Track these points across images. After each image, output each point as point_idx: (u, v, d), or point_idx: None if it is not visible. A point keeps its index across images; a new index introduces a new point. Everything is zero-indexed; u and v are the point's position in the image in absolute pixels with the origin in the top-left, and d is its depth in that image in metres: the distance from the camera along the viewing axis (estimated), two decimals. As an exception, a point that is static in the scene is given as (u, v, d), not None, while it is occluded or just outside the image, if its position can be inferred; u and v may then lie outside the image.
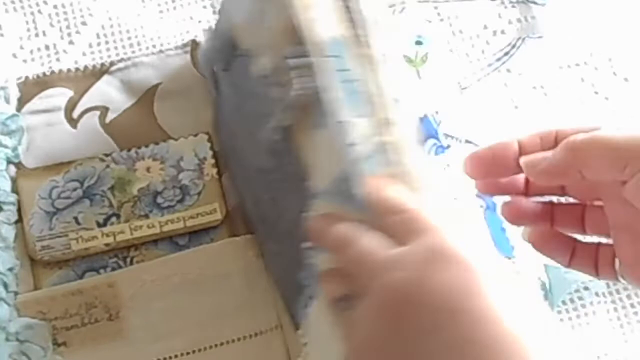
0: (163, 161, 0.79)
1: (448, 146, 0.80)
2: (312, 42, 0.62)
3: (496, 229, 0.77)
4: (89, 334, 0.74)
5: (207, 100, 0.81)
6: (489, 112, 0.83)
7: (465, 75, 0.85)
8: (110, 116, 0.81)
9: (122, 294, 0.75)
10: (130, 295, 0.75)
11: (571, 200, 0.68)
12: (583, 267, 0.67)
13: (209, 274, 0.76)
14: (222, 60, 0.74)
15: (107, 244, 0.76)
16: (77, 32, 0.86)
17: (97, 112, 0.81)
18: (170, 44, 0.85)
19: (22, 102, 0.80)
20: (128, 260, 0.77)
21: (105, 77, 0.82)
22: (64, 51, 0.85)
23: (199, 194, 0.78)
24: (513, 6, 0.88)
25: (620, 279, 0.65)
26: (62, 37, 0.85)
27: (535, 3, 0.88)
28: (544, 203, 0.68)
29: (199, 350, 0.74)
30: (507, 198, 0.70)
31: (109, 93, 0.81)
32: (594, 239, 0.67)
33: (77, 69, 0.82)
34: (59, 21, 0.86)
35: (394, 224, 0.57)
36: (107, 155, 0.79)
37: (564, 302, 0.78)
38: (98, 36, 0.86)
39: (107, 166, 0.78)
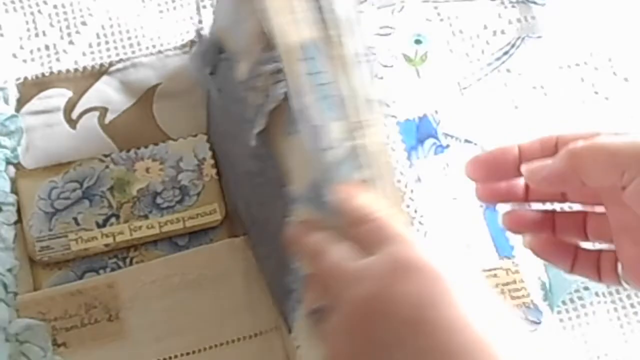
0: (162, 162, 0.79)
1: (447, 146, 0.80)
2: (284, 46, 0.62)
3: (496, 229, 0.77)
4: (89, 334, 0.74)
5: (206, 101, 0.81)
6: (489, 112, 0.83)
7: (465, 75, 0.85)
8: (109, 117, 0.81)
9: (122, 295, 0.75)
10: (130, 295, 0.75)
11: (572, 206, 0.68)
12: (585, 273, 0.67)
13: (209, 274, 0.76)
14: (208, 64, 0.74)
15: (106, 245, 0.76)
16: (77, 32, 0.86)
17: (97, 113, 0.81)
18: (170, 44, 0.85)
19: (21, 103, 0.81)
20: (128, 260, 0.77)
21: (105, 78, 0.82)
22: (64, 51, 0.85)
23: (198, 194, 0.78)
24: (513, 6, 0.88)
25: (623, 283, 0.65)
26: (62, 37, 0.85)
27: (535, 3, 0.87)
28: (545, 211, 0.69)
29: (199, 350, 0.74)
30: (507, 207, 0.70)
31: (108, 94, 0.81)
32: (596, 245, 0.67)
33: (76, 70, 0.82)
34: (59, 21, 0.86)
35: (362, 233, 0.57)
36: (106, 155, 0.79)
37: (564, 302, 0.77)
38: (98, 36, 0.86)
39: (107, 167, 0.79)
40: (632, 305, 0.78)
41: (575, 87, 0.85)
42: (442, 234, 0.77)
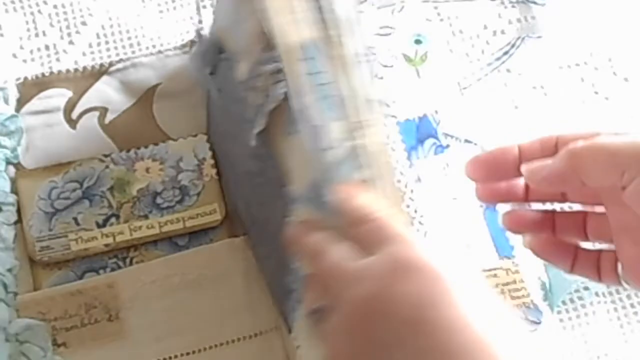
0: (162, 162, 0.79)
1: (447, 145, 0.80)
2: (284, 46, 0.62)
3: (496, 229, 0.77)
4: (89, 334, 0.74)
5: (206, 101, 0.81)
6: (489, 112, 0.83)
7: (465, 75, 0.85)
8: (109, 117, 0.81)
9: (122, 295, 0.75)
10: (130, 295, 0.75)
11: (572, 206, 0.68)
12: (585, 273, 0.68)
13: (209, 274, 0.76)
14: (208, 64, 0.74)
15: (106, 245, 0.76)
16: (77, 32, 0.86)
17: (97, 113, 0.81)
18: (170, 44, 0.85)
19: (21, 103, 0.81)
20: (128, 260, 0.77)
21: (104, 78, 0.82)
22: (64, 51, 0.85)
23: (198, 194, 0.78)
24: (513, 6, 0.88)
25: (623, 283, 0.65)
26: (62, 37, 0.85)
27: (535, 3, 0.87)
28: (545, 211, 0.69)
29: (199, 350, 0.74)
30: (507, 207, 0.70)
31: (108, 94, 0.81)
32: (596, 245, 0.67)
33: (76, 70, 0.82)
34: (59, 21, 0.86)
35: (362, 233, 0.57)
36: (106, 155, 0.79)
37: (564, 302, 0.77)
38: (98, 36, 0.86)
39: (107, 167, 0.79)
40: (632, 305, 0.78)
41: (575, 87, 0.85)
42: (442, 234, 0.77)
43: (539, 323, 0.74)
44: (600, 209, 0.65)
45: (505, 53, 0.86)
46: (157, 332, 0.74)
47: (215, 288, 0.76)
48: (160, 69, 0.82)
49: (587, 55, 0.86)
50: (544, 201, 0.68)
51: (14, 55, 0.84)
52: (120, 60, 0.83)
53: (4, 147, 0.78)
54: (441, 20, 0.87)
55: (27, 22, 0.86)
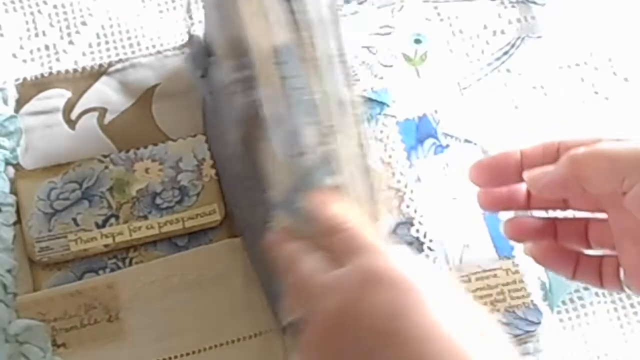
0: (162, 162, 0.79)
1: (447, 145, 0.80)
2: (257, 50, 0.62)
3: (496, 229, 0.77)
4: (89, 335, 0.74)
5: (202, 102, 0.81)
6: (489, 112, 0.83)
7: (465, 75, 0.84)
8: (108, 117, 0.81)
9: (122, 295, 0.75)
10: (130, 296, 0.75)
11: (574, 213, 0.68)
12: (587, 279, 0.68)
13: (208, 274, 0.76)
14: (199, 66, 0.74)
15: (106, 245, 0.76)
16: (77, 32, 0.86)
17: (96, 113, 0.81)
18: (170, 44, 0.85)
19: (20, 104, 0.80)
20: (127, 261, 0.77)
21: (104, 78, 0.82)
22: (64, 51, 0.85)
23: (197, 194, 0.78)
24: (513, 6, 0.88)
25: (626, 288, 0.66)
26: (62, 37, 0.85)
27: (535, 3, 0.87)
28: (547, 219, 0.69)
29: (199, 350, 0.74)
30: (509, 215, 0.71)
31: (107, 94, 0.81)
32: (598, 251, 0.68)
33: (75, 70, 0.82)
34: (59, 21, 0.86)
35: (334, 243, 0.57)
36: (105, 156, 0.79)
37: (564, 302, 0.77)
38: (98, 36, 0.86)
39: (106, 167, 0.79)
40: (632, 305, 0.78)
41: (575, 87, 0.85)
42: (442, 234, 0.77)
43: (539, 323, 0.74)
44: (601, 215, 0.66)
45: (505, 53, 0.86)
46: (156, 333, 0.74)
47: (215, 288, 0.76)
48: (159, 70, 0.82)
49: (587, 55, 0.86)
50: (546, 208, 0.69)
51: (14, 55, 0.84)
52: (120, 61, 0.83)
53: (3, 147, 0.78)
54: (441, 20, 0.87)
55: (27, 22, 0.86)
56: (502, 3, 0.88)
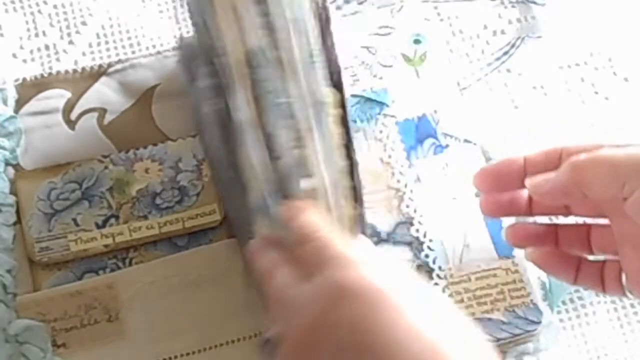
0: (161, 162, 0.79)
1: (447, 145, 0.80)
2: (232, 54, 0.62)
3: (496, 229, 0.77)
4: (89, 335, 0.74)
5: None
6: (489, 112, 0.83)
7: (465, 75, 0.84)
8: (108, 118, 0.81)
9: (122, 295, 0.75)
10: (130, 296, 0.75)
11: (576, 219, 0.69)
12: (589, 284, 0.68)
13: (208, 274, 0.76)
14: (189, 71, 0.74)
15: (106, 245, 0.76)
16: (77, 32, 0.86)
17: (95, 114, 0.81)
18: (170, 44, 0.84)
19: (19, 104, 0.80)
20: (127, 261, 0.77)
21: (103, 79, 0.82)
22: (64, 51, 0.85)
23: (197, 195, 0.78)
24: (513, 6, 0.88)
25: (628, 293, 0.66)
26: (62, 37, 0.85)
27: (535, 3, 0.87)
28: (548, 224, 0.69)
29: (199, 351, 0.74)
30: (510, 221, 0.71)
31: (106, 94, 0.81)
32: (600, 257, 0.68)
33: (74, 71, 0.82)
34: (59, 21, 0.86)
35: (304, 254, 0.58)
36: (105, 156, 0.79)
37: (564, 302, 0.77)
38: (98, 36, 0.86)
39: (106, 167, 0.79)
40: (632, 305, 0.78)
41: (575, 87, 0.85)
42: (442, 234, 0.77)
43: (539, 323, 0.74)
44: (603, 221, 0.66)
45: (505, 53, 0.86)
46: (156, 333, 0.74)
47: (215, 288, 0.76)
48: (158, 70, 0.82)
49: (587, 55, 0.86)
50: (548, 214, 0.69)
51: (14, 55, 0.84)
52: (119, 61, 0.83)
53: (3, 148, 0.78)
54: (441, 20, 0.87)
55: (27, 22, 0.86)
56: (502, 3, 0.88)
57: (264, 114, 0.62)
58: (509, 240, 0.72)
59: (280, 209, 0.61)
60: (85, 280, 0.76)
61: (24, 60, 0.84)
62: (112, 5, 0.86)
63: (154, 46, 0.85)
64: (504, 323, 0.73)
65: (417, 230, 0.77)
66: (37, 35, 0.85)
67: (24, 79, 0.81)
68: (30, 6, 0.86)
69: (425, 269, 0.76)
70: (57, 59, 0.84)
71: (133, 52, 0.85)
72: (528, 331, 0.74)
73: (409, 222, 0.78)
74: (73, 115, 0.81)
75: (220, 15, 0.64)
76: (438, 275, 0.75)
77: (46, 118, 0.80)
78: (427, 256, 0.76)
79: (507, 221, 0.73)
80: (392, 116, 0.81)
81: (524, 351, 0.75)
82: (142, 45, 0.85)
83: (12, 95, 0.81)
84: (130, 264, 0.77)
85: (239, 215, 0.68)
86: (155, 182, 0.78)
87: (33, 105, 0.81)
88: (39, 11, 0.86)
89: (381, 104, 0.81)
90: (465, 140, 0.80)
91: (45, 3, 0.86)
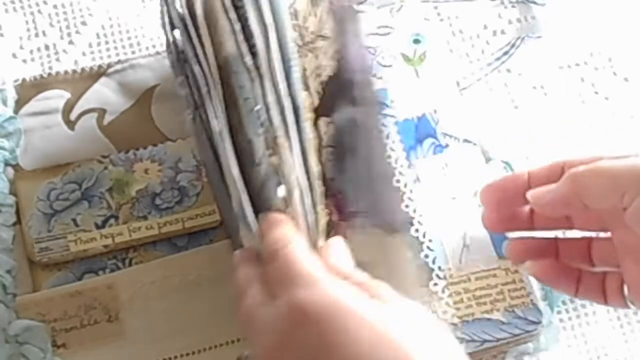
0: (161, 163, 0.79)
1: (447, 145, 0.80)
2: (210, 62, 0.62)
3: (495, 229, 0.77)
4: (88, 335, 0.74)
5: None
6: (489, 112, 0.83)
7: (465, 75, 0.84)
8: (107, 118, 0.81)
9: (121, 296, 0.75)
10: (129, 296, 0.75)
11: (577, 234, 0.70)
12: (590, 296, 0.69)
13: (208, 274, 0.76)
14: (178, 73, 0.73)
15: (105, 246, 0.76)
16: (77, 32, 0.86)
17: (95, 114, 0.81)
18: (169, 44, 0.85)
19: (19, 104, 0.80)
20: (127, 261, 0.77)
21: (103, 79, 0.82)
22: (64, 51, 0.85)
23: (197, 195, 0.78)
24: (513, 6, 0.88)
25: (630, 304, 0.66)
26: (62, 37, 0.85)
27: (535, 3, 0.87)
28: (548, 238, 0.70)
29: (199, 351, 0.74)
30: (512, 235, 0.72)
31: (106, 95, 0.81)
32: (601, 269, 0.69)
33: (74, 71, 0.82)
34: (59, 21, 0.86)
35: (270, 271, 0.59)
36: (105, 157, 0.79)
37: (564, 302, 0.77)
38: (98, 36, 0.86)
39: (105, 168, 0.79)
40: (632, 306, 0.78)
41: (575, 87, 0.85)
42: (442, 234, 0.77)
43: (539, 323, 0.74)
44: (604, 234, 0.67)
45: (505, 53, 0.86)
46: (156, 333, 0.74)
47: (215, 289, 0.76)
48: (158, 70, 0.82)
49: (587, 55, 0.86)
50: (549, 228, 0.70)
51: (14, 55, 0.84)
52: (119, 62, 0.83)
53: (3, 148, 0.78)
54: (441, 20, 0.87)
55: (27, 22, 0.86)
56: (502, 3, 0.88)
57: (242, 120, 0.62)
58: (509, 255, 0.73)
59: (256, 221, 0.61)
60: (85, 281, 0.76)
61: (24, 61, 0.84)
62: (112, 5, 0.86)
63: (154, 46, 0.85)
64: (503, 323, 0.73)
65: (417, 230, 0.77)
66: (37, 35, 0.85)
67: (24, 80, 0.81)
68: (30, 6, 0.86)
69: (425, 269, 0.76)
70: (57, 59, 0.84)
71: (133, 52, 0.85)
72: (528, 331, 0.74)
73: (408, 222, 0.78)
74: (73, 116, 0.81)
75: (199, 21, 0.64)
76: (437, 276, 0.75)
77: (46, 118, 0.80)
78: (426, 256, 0.76)
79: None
80: (392, 116, 0.81)
81: (524, 351, 0.75)
82: (142, 45, 0.85)
83: (11, 95, 0.81)
84: (130, 264, 0.77)
85: (229, 221, 0.68)
86: (154, 182, 0.78)
87: (33, 105, 0.81)
88: (39, 11, 0.86)
89: (381, 104, 0.81)
90: (465, 140, 0.80)
91: (45, 3, 0.86)
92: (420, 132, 0.81)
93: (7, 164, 0.78)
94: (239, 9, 0.63)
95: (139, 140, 0.80)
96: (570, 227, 0.70)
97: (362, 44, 0.79)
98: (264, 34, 0.63)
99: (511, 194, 0.70)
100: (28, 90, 0.81)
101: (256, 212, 0.62)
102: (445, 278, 0.75)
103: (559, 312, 0.77)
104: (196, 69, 0.64)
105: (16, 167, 0.79)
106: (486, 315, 0.74)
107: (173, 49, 0.69)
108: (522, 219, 0.71)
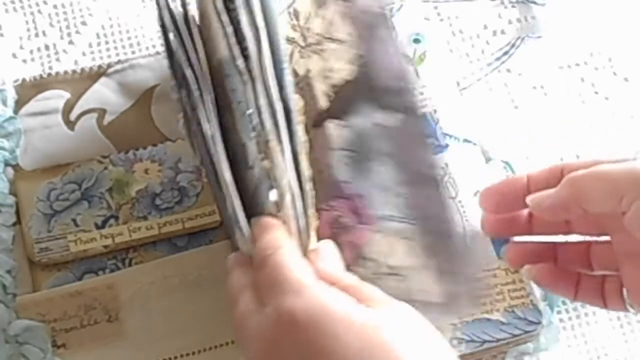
0: (161, 163, 0.79)
1: (446, 145, 0.80)
2: (203, 65, 0.62)
3: (495, 229, 0.77)
4: (88, 335, 0.74)
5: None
6: (489, 112, 0.83)
7: (465, 75, 0.84)
8: (107, 118, 0.81)
9: (121, 296, 0.75)
10: (129, 296, 0.75)
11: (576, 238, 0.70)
12: (590, 300, 0.69)
13: (208, 275, 0.76)
14: (174, 76, 0.73)
15: (105, 246, 0.76)
16: (77, 32, 0.86)
17: (95, 114, 0.81)
18: (169, 44, 0.85)
19: (19, 105, 0.80)
20: (127, 261, 0.77)
21: (102, 79, 0.82)
22: (64, 51, 0.85)
23: (197, 195, 0.78)
24: (513, 6, 0.88)
25: (629, 308, 0.67)
26: (62, 37, 0.85)
27: (535, 3, 0.87)
28: (546, 242, 0.70)
29: (199, 351, 0.74)
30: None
31: (106, 95, 0.81)
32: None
33: (74, 71, 0.82)
34: (59, 21, 0.86)
35: (260, 278, 0.59)
36: (104, 157, 0.79)
37: (563, 303, 0.77)
38: (98, 36, 0.86)
39: (105, 168, 0.78)
40: (632, 306, 0.78)
41: (575, 87, 0.85)
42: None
43: (539, 323, 0.74)
44: (603, 238, 0.67)
45: (505, 53, 0.86)
46: (156, 333, 0.74)
47: (215, 289, 0.75)
48: (158, 70, 0.82)
49: (587, 55, 0.86)
50: (548, 233, 0.70)
51: (14, 55, 0.84)
52: (118, 62, 0.83)
53: (3, 148, 0.78)
54: (441, 20, 0.87)
55: (27, 22, 0.86)
56: (502, 3, 0.88)
57: (235, 124, 0.62)
58: (508, 260, 0.73)
59: (248, 225, 0.61)
60: (85, 281, 0.76)
61: (24, 61, 0.84)
62: (112, 5, 0.86)
63: (154, 46, 0.85)
64: (503, 323, 0.73)
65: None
66: (37, 35, 0.85)
67: (24, 80, 0.81)
68: (30, 6, 0.86)
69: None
70: (57, 59, 0.84)
71: (133, 53, 0.85)
72: (527, 332, 0.74)
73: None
74: (72, 116, 0.81)
75: (192, 25, 0.64)
76: (438, 276, 0.75)
77: (46, 119, 0.80)
78: (426, 256, 0.76)
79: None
80: (392, 116, 0.81)
81: (524, 351, 0.75)
82: (142, 45, 0.85)
83: (11, 95, 0.81)
84: (130, 265, 0.77)
85: (228, 221, 0.68)
86: (154, 182, 0.78)
87: (32, 105, 0.81)
88: (39, 11, 0.86)
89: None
90: (465, 140, 0.80)
91: (45, 3, 0.86)
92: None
93: (7, 164, 0.78)
94: (231, 11, 0.63)
95: (139, 141, 0.80)
96: (570, 231, 0.70)
97: (397, 50, 0.79)
98: (255, 37, 0.63)
99: (510, 198, 0.70)
100: (28, 90, 0.81)
101: (251, 215, 0.63)
102: (445, 278, 0.75)
103: (559, 312, 0.77)
104: (188, 72, 0.63)
105: (16, 167, 0.78)
106: (486, 316, 0.73)
107: (167, 52, 0.69)
108: (521, 222, 0.71)
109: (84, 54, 0.85)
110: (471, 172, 0.79)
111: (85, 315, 0.74)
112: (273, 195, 0.61)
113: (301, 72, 0.77)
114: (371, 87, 0.75)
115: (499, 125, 0.82)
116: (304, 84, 0.76)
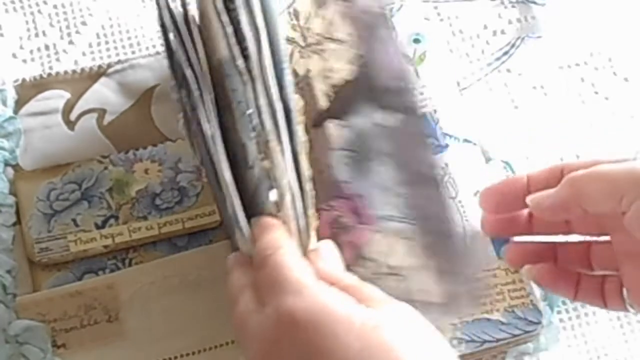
0: (161, 163, 0.79)
1: (446, 145, 0.80)
2: (203, 65, 0.62)
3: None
4: (88, 335, 0.74)
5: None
6: (489, 112, 0.83)
7: (465, 75, 0.84)
8: (107, 118, 0.81)
9: (121, 296, 0.75)
10: (129, 296, 0.75)
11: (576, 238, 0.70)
12: (590, 300, 0.69)
13: (208, 275, 0.76)
14: (174, 76, 0.74)
15: (105, 246, 0.76)
16: (77, 32, 0.86)
17: (95, 114, 0.81)
18: (169, 44, 0.85)
19: (19, 105, 0.80)
20: (127, 261, 0.77)
21: (103, 79, 0.82)
22: (64, 51, 0.85)
23: (197, 195, 0.78)
24: (513, 6, 0.88)
25: (629, 308, 0.67)
26: (62, 37, 0.85)
27: (535, 3, 0.87)
28: (546, 242, 0.70)
29: (199, 351, 0.74)
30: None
31: (106, 95, 0.81)
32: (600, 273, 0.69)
33: (74, 71, 0.82)
34: (59, 21, 0.86)
35: (260, 278, 0.59)
36: (104, 157, 0.79)
37: (564, 302, 0.77)
38: (98, 36, 0.86)
39: (105, 168, 0.78)
40: (632, 306, 0.78)
41: (575, 87, 0.85)
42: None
43: (539, 323, 0.74)
44: (603, 238, 0.67)
45: (505, 53, 0.86)
46: (156, 333, 0.74)
47: (215, 289, 0.75)
48: (158, 71, 0.82)
49: (587, 55, 0.86)
50: (548, 232, 0.70)
51: (14, 55, 0.84)
52: (118, 62, 0.83)
53: (3, 148, 0.78)
54: (441, 20, 0.87)
55: (27, 22, 0.86)
56: (502, 3, 0.88)
57: (236, 123, 0.62)
58: (508, 260, 0.73)
59: (248, 225, 0.61)
60: (85, 281, 0.76)
61: (24, 61, 0.84)
62: (112, 5, 0.86)
63: (154, 46, 0.85)
64: (503, 324, 0.73)
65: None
66: (37, 35, 0.85)
67: (24, 80, 0.81)
68: (30, 6, 0.86)
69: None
70: (57, 59, 0.84)
71: (133, 53, 0.85)
72: (527, 332, 0.74)
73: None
74: (72, 116, 0.81)
75: (192, 25, 0.64)
76: (438, 276, 0.75)
77: (46, 119, 0.80)
78: (426, 256, 0.76)
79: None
80: (392, 116, 0.81)
81: (524, 351, 0.75)
82: (142, 45, 0.85)
83: (11, 95, 0.81)
84: (130, 265, 0.77)
85: (228, 221, 0.68)
86: (154, 182, 0.78)
87: (32, 105, 0.80)
88: (39, 11, 0.86)
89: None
90: (465, 140, 0.80)
91: (45, 3, 0.86)
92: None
93: (7, 164, 0.78)
94: (231, 11, 0.63)
95: (139, 141, 0.80)
96: (570, 231, 0.70)
97: (397, 50, 0.79)
98: (255, 37, 0.63)
99: (510, 198, 0.70)
100: (28, 90, 0.81)
101: (251, 215, 0.63)
102: (445, 278, 0.75)
103: (559, 312, 0.77)
104: (188, 72, 0.63)
105: (16, 167, 0.78)
106: (486, 316, 0.73)
107: (167, 52, 0.69)
108: (521, 222, 0.71)
109: (84, 54, 0.85)
110: (471, 172, 0.79)
111: (85, 315, 0.74)
112: (273, 195, 0.61)
113: (301, 72, 0.77)
114: (371, 87, 0.75)
115: (499, 125, 0.82)
116: (304, 84, 0.76)
